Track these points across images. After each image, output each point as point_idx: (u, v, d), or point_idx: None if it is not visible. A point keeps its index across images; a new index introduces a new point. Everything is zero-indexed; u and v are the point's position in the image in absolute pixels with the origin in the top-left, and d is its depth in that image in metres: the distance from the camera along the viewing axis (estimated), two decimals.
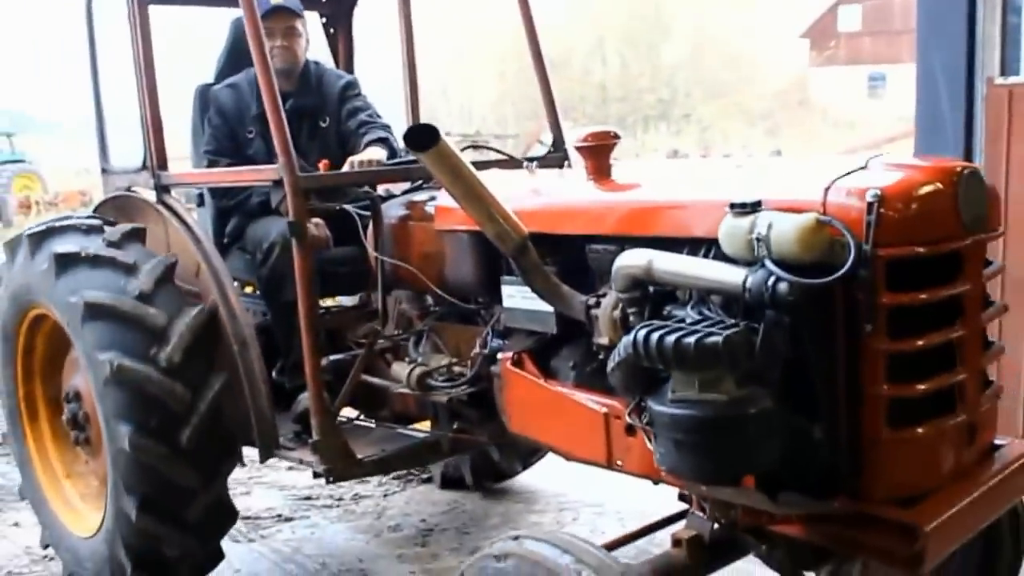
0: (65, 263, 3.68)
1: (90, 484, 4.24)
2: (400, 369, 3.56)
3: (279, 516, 5.04)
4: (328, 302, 4.47)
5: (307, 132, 4.28)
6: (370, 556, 4.48)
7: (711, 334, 2.19)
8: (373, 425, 3.99)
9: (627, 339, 2.32)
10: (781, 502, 2.41)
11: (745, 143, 28.96)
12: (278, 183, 3.47)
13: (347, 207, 3.68)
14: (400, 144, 4.19)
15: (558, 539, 2.56)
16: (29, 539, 4.72)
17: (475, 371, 3.40)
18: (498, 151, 3.86)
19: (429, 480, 5.36)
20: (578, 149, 3.03)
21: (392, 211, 3.70)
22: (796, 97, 38.84)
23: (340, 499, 5.24)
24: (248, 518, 4.93)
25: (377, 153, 4.01)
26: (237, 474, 5.38)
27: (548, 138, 4.35)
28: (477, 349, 3.41)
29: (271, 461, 5.08)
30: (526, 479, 5.26)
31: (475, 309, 3.49)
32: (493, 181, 2.94)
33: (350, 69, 4.96)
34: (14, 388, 4.33)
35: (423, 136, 2.71)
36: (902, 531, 2.31)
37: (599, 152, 3.01)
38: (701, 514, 2.78)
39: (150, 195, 4.04)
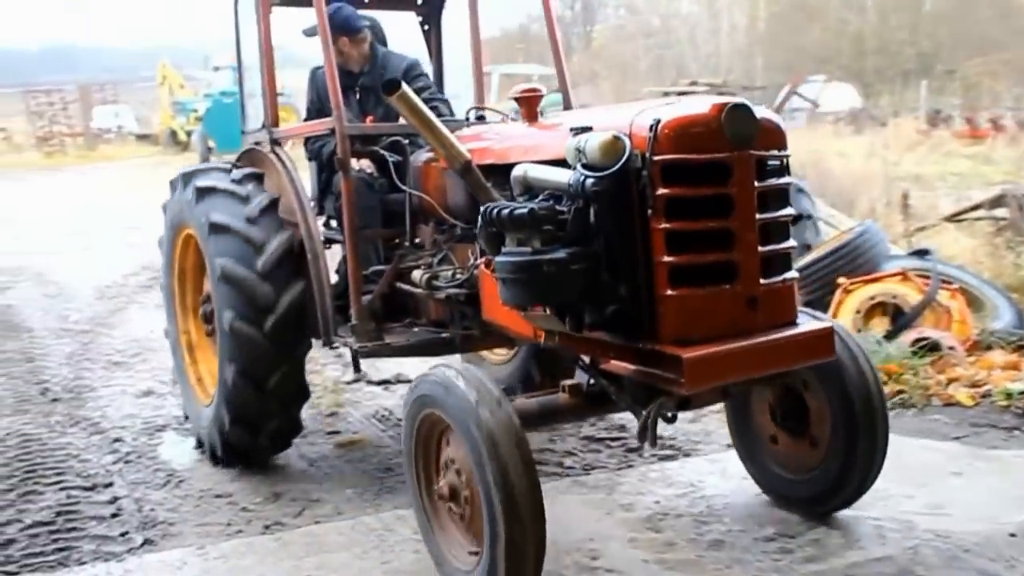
0: (202, 193, 5.01)
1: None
2: (417, 275, 4.68)
3: None
4: None
5: (374, 101, 5.53)
6: (601, 536, 4.17)
7: (523, 207, 3.21)
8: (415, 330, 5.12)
9: (480, 213, 3.35)
10: (587, 335, 3.36)
11: (1016, 104, 25.36)
12: (333, 132, 4.69)
13: (383, 151, 4.83)
14: (457, 114, 5.39)
15: (468, 372, 3.49)
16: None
17: (468, 276, 4.45)
18: (497, 111, 4.91)
19: (666, 458, 5.13)
20: (514, 99, 4.06)
21: (420, 155, 4.82)
22: None
23: (570, 468, 5.08)
24: None
25: None
26: None
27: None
28: (471, 259, 4.47)
29: None
30: None
31: (472, 229, 4.54)
32: (477, 130, 3.99)
33: (440, 59, 6.18)
34: (172, 291, 5.76)
35: (394, 86, 3.85)
36: (674, 362, 3.19)
37: (529, 102, 4.04)
38: (583, 370, 3.74)
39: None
